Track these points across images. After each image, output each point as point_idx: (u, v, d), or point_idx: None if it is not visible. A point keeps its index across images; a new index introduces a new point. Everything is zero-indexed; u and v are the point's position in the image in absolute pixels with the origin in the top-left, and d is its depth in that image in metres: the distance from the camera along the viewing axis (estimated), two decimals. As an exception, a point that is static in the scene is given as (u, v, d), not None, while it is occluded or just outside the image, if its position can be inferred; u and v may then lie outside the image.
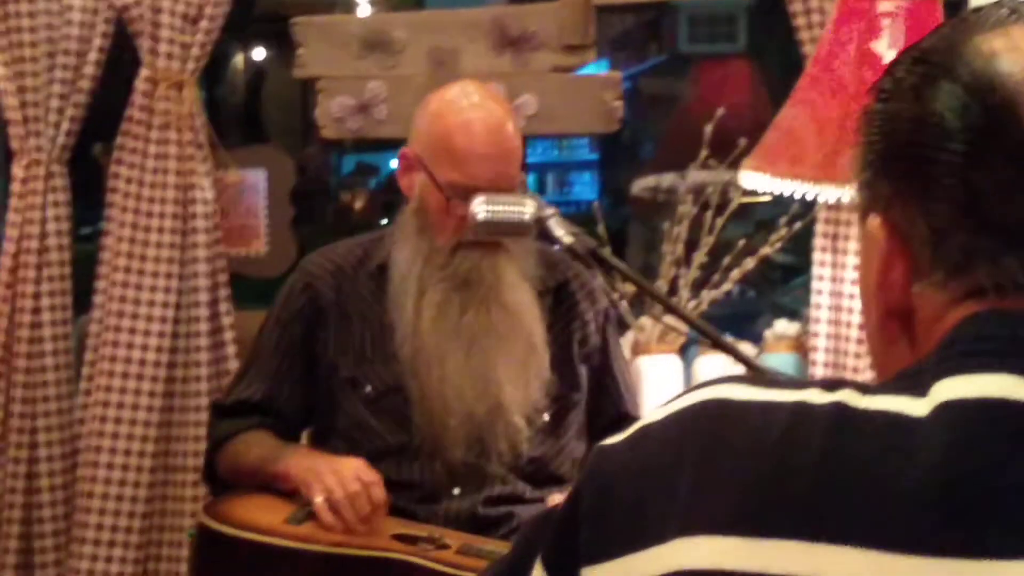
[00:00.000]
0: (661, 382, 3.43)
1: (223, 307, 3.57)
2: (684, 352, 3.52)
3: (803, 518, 0.85)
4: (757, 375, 1.14)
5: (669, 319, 3.23)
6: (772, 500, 0.86)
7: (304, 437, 2.68)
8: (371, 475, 2.33)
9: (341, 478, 2.30)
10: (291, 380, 2.57)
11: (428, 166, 2.47)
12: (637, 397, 2.74)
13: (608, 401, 2.65)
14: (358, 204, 6.48)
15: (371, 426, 2.48)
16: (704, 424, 0.92)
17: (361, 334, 2.52)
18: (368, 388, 2.49)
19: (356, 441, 2.48)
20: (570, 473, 2.57)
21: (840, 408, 0.88)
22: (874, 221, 0.97)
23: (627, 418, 2.62)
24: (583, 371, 2.60)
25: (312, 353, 2.55)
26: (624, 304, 3.39)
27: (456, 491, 2.46)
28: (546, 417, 2.51)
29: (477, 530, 2.40)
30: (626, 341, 3.47)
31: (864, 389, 0.90)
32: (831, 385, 0.91)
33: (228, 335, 3.56)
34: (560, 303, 2.59)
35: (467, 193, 2.37)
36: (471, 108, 2.46)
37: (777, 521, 0.85)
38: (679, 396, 0.96)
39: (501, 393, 2.43)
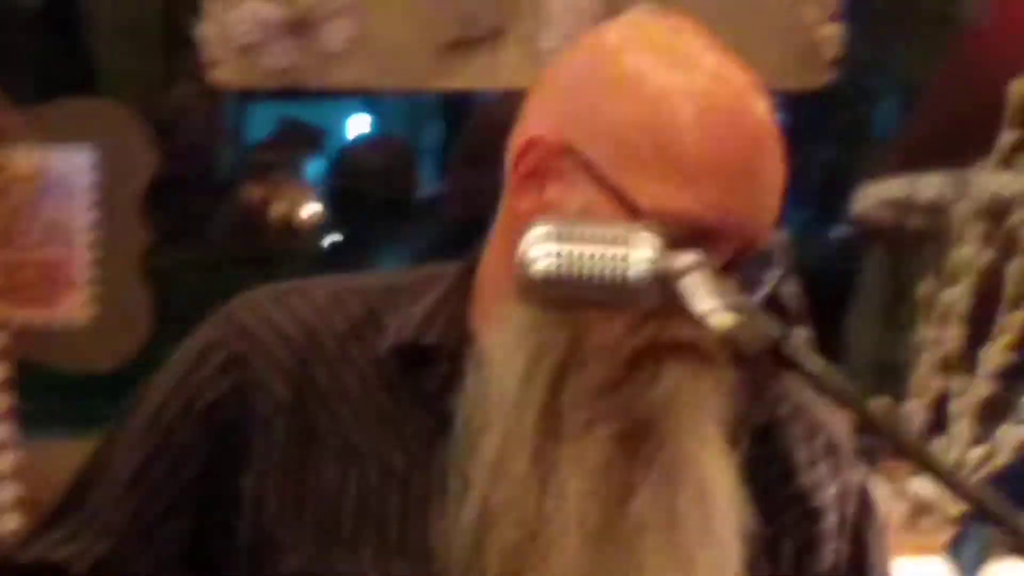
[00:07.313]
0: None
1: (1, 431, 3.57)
2: (956, 550, 3.25)
3: None
4: None
5: (927, 485, 3.01)
6: None
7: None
8: None
9: None
10: (159, 541, 2.07)
11: (609, 174, 1.94)
12: None
13: None
14: (280, 207, 5.69)
15: None
16: None
17: (343, 481, 2.04)
18: None
19: None
20: None
21: None
22: None
23: None
24: None
25: (216, 502, 2.05)
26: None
27: None
28: None
29: None
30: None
31: None
32: None
33: (8, 488, 3.45)
34: (765, 464, 2.04)
35: (692, 238, 1.89)
36: (702, 77, 1.98)
37: None
38: None
39: None
